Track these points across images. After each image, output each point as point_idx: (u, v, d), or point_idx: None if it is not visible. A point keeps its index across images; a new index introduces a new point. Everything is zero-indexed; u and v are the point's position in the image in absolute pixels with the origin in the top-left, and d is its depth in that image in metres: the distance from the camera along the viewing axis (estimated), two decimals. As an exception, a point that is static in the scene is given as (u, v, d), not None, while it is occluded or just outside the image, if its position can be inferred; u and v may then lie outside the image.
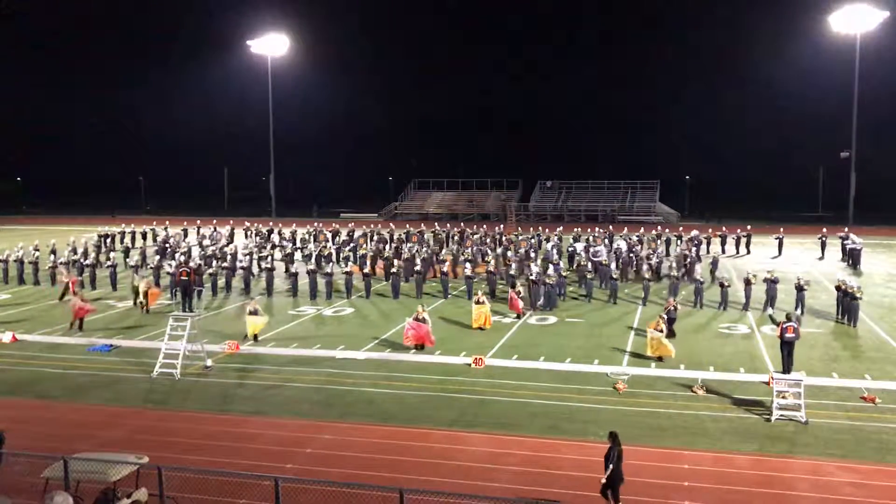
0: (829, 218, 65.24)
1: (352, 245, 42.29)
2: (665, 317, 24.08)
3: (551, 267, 33.87)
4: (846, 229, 45.49)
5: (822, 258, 43.17)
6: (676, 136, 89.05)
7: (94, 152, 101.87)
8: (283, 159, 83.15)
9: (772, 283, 28.95)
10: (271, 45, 76.09)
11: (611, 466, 12.90)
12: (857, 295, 26.51)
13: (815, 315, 28.21)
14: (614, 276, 31.91)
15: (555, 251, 38.56)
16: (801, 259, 42.98)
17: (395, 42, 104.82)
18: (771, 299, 28.99)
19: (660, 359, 22.23)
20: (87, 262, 36.56)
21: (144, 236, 50.34)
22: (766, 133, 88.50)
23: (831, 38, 66.14)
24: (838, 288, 27.63)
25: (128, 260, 38.46)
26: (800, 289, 28.30)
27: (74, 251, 38.47)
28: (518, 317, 28.29)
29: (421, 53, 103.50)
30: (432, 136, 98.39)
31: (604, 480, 13.01)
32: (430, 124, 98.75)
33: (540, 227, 49.89)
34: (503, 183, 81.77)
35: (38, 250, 38.70)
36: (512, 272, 33.05)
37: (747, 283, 29.57)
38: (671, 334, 24.38)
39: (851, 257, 40.37)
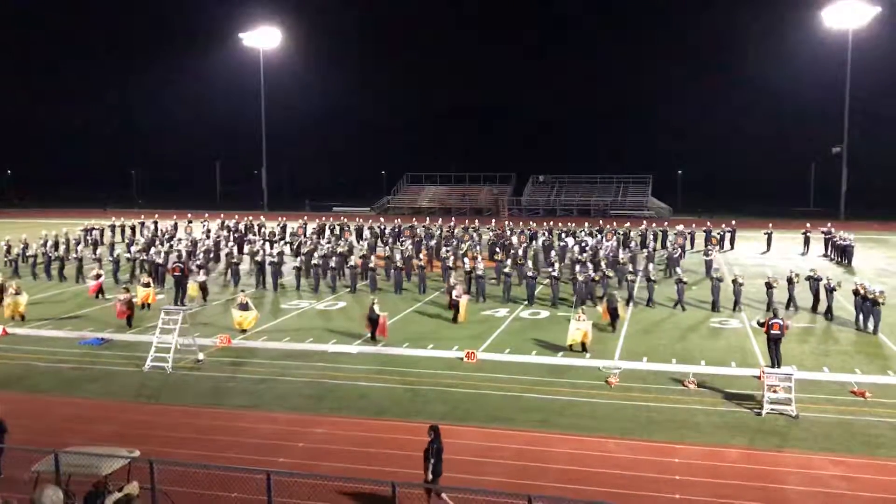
0: (820, 213, 65.47)
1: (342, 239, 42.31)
2: (584, 310, 24.25)
3: (578, 265, 32.63)
4: (829, 224, 45.24)
5: (804, 254, 43.14)
6: (669, 132, 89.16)
7: (86, 146, 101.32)
8: (275, 153, 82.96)
9: (814, 281, 28.35)
10: (263, 39, 75.87)
11: (432, 461, 12.93)
12: (881, 300, 24.83)
13: (807, 311, 28.25)
14: (652, 278, 30.26)
15: (576, 248, 37.69)
16: (791, 254, 43.05)
17: (387, 35, 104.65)
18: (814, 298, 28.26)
19: (583, 348, 22.67)
20: (56, 254, 36.74)
21: (134, 230, 50.18)
22: (758, 128, 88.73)
23: (824, 33, 66.34)
24: (856, 293, 26.01)
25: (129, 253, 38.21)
26: (830, 290, 27.20)
27: (45, 244, 38.43)
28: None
29: (413, 47, 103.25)
30: (425, 130, 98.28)
31: (430, 477, 12.92)
32: (423, 118, 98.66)
33: (532, 222, 49.75)
34: (496, 177, 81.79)
35: (9, 245, 38.70)
36: (480, 272, 32.08)
37: (790, 282, 28.62)
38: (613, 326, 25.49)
39: (843, 254, 40.21)
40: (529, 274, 30.77)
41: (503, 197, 76.85)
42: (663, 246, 42.54)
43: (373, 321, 24.06)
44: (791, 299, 28.59)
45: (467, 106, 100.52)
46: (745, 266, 35.13)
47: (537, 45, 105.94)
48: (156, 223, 49.99)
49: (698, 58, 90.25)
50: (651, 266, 32.21)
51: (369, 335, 24.13)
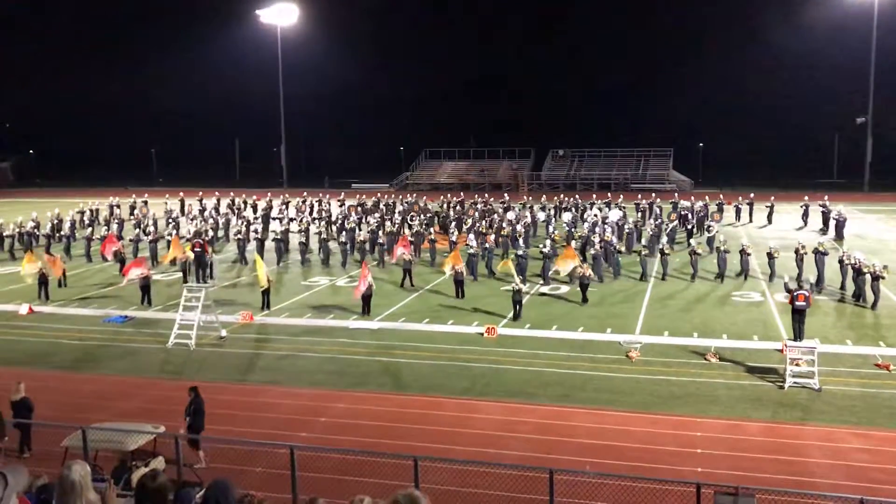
0: (844, 185, 64.59)
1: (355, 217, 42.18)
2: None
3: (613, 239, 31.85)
4: (825, 197, 43.91)
5: (802, 227, 42.06)
6: (690, 104, 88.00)
7: (106, 124, 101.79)
8: (294, 130, 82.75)
9: (821, 255, 27.18)
10: (281, 15, 75.70)
11: (188, 419, 14.00)
12: (884, 274, 24.04)
13: (827, 284, 27.84)
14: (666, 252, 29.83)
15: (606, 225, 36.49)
16: (794, 228, 41.93)
17: (406, 10, 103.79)
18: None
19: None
20: (42, 233, 38.31)
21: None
22: (781, 99, 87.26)
23: (849, 1, 65.10)
24: (853, 266, 25.34)
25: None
26: (875, 278, 25.10)
27: (38, 226, 39.05)
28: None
29: (431, 22, 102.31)
30: (444, 105, 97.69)
31: (182, 431, 13.67)
32: (442, 93, 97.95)
33: (530, 197, 49.56)
34: (515, 152, 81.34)
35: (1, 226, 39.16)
36: (472, 250, 31.23)
37: (796, 252, 27.75)
38: (585, 300, 25.65)
39: (836, 229, 38.97)
40: (520, 252, 29.67)
41: (522, 171, 76.42)
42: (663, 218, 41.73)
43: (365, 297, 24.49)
44: (800, 273, 27.40)
45: (486, 81, 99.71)
46: (752, 237, 34.37)
47: (556, 19, 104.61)
48: (145, 202, 49.66)
49: (719, 28, 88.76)
50: (665, 241, 32.01)
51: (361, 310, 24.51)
